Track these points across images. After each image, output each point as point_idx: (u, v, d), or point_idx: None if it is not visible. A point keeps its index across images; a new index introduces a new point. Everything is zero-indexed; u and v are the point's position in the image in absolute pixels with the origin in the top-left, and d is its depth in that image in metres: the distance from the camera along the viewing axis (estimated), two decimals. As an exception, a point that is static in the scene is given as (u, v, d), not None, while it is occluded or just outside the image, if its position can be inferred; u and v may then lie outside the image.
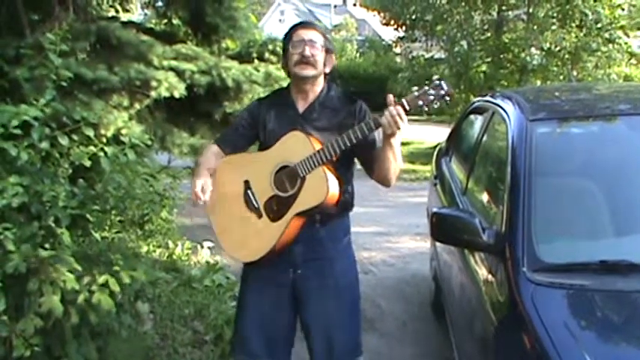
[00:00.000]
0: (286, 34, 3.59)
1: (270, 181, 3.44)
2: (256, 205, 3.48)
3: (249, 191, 3.51)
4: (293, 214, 3.39)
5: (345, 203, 3.59)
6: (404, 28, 19.11)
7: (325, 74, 3.59)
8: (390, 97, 3.23)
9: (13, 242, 3.52)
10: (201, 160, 3.70)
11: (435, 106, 3.29)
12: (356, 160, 3.60)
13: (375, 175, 3.51)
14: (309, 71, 3.47)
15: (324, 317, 3.64)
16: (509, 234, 3.14)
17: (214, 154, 3.68)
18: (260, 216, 3.47)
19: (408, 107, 3.22)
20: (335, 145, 3.29)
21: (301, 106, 3.57)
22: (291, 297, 3.66)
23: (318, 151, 3.31)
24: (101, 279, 3.75)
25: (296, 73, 3.50)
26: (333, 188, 3.35)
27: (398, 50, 22.24)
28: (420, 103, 3.23)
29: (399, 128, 3.20)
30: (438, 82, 3.26)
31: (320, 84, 3.58)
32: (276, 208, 3.43)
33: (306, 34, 3.49)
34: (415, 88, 3.28)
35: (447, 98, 3.27)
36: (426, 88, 3.25)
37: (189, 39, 7.78)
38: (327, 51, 3.54)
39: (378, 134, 3.39)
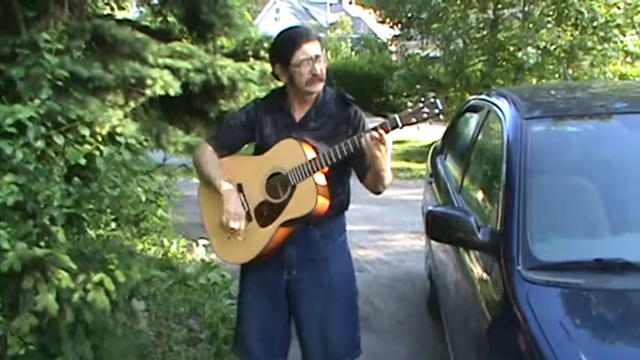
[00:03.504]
0: (285, 45, 3.46)
1: (262, 186, 3.45)
2: (247, 209, 3.48)
3: (241, 194, 3.50)
4: (281, 221, 3.40)
5: (341, 203, 3.59)
6: (399, 26, 19.10)
7: None
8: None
9: (8, 240, 3.52)
10: (210, 167, 3.57)
11: (429, 124, 3.29)
12: None
13: (365, 183, 3.51)
14: (320, 87, 3.46)
15: (319, 317, 3.64)
16: (504, 232, 3.15)
17: (212, 155, 3.61)
18: (250, 220, 3.47)
19: (400, 124, 3.20)
20: (327, 156, 3.29)
21: (298, 114, 3.54)
22: (286, 297, 3.66)
23: (310, 161, 3.32)
24: (96, 277, 3.75)
25: (308, 91, 3.45)
26: (323, 199, 3.37)
27: (393, 48, 22.33)
28: (414, 120, 3.22)
29: (379, 150, 3.19)
30: (433, 99, 3.24)
31: None
32: (266, 214, 3.44)
33: (311, 48, 3.39)
34: (410, 104, 3.28)
35: (441, 117, 3.27)
36: (421, 105, 3.23)
37: (185, 37, 7.77)
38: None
39: None
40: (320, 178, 3.38)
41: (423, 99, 3.27)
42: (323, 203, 3.37)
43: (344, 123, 3.50)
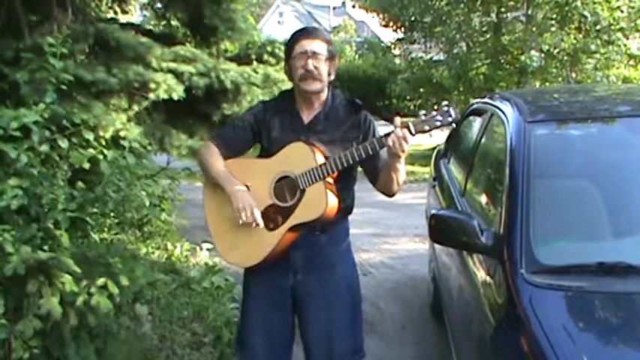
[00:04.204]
0: (289, 41, 3.51)
1: (270, 189, 3.42)
2: None
3: None
4: (289, 225, 3.38)
5: (346, 208, 3.57)
6: (403, 29, 19.08)
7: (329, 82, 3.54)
8: (397, 119, 3.22)
9: (12, 244, 3.53)
10: (218, 171, 3.54)
11: (441, 131, 3.30)
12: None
13: (378, 185, 3.50)
14: (314, 86, 3.43)
15: (324, 322, 3.63)
16: (507, 236, 3.14)
17: (218, 156, 3.59)
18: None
19: (413, 131, 3.21)
20: (338, 161, 3.29)
21: (306, 117, 3.52)
22: (291, 301, 3.65)
23: (321, 166, 3.30)
24: (100, 281, 3.76)
25: (301, 88, 3.45)
26: (332, 203, 3.35)
27: (397, 52, 22.22)
28: (427, 128, 3.23)
29: (403, 151, 3.20)
30: (446, 108, 3.25)
31: (325, 93, 3.53)
32: (274, 217, 3.41)
33: (309, 44, 3.41)
34: (422, 112, 3.28)
35: (454, 125, 3.28)
36: (434, 113, 3.24)
37: (188, 41, 7.78)
38: (331, 57, 3.47)
39: (383, 149, 3.37)
40: (330, 183, 3.37)
41: (436, 107, 3.28)
42: (332, 208, 3.36)
43: (355, 129, 3.50)
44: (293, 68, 3.45)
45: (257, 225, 3.38)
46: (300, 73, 3.41)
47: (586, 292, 2.88)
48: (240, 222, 3.39)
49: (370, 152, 3.28)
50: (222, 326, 5.40)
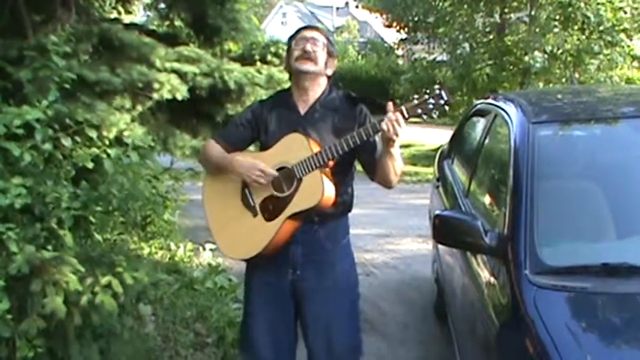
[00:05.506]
0: (291, 37, 3.63)
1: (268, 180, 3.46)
2: (252, 204, 3.50)
3: (246, 189, 3.52)
4: (287, 215, 3.40)
5: (345, 205, 3.60)
6: (406, 30, 19.11)
7: (328, 77, 3.60)
8: (390, 104, 3.24)
9: (16, 243, 3.53)
10: (218, 156, 3.61)
11: (434, 115, 3.31)
12: (356, 162, 3.60)
13: (377, 178, 3.52)
14: (309, 66, 3.48)
15: (323, 318, 3.65)
16: (511, 236, 3.14)
17: (219, 148, 3.64)
18: (255, 215, 3.48)
19: (406, 115, 3.23)
20: (333, 148, 3.30)
21: (302, 108, 3.57)
22: (291, 298, 3.66)
23: (316, 154, 3.32)
24: (104, 280, 3.76)
25: (297, 67, 3.51)
26: (329, 191, 3.36)
27: (400, 52, 22.28)
28: (419, 111, 3.25)
29: (397, 134, 3.22)
30: (438, 90, 3.26)
31: (321, 85, 3.58)
32: (272, 208, 3.44)
33: (309, 33, 3.55)
34: (415, 96, 3.29)
35: (447, 107, 3.28)
36: (426, 96, 3.26)
37: (192, 41, 7.78)
38: (329, 53, 3.56)
39: (378, 138, 3.40)
40: (326, 173, 3.39)
41: (428, 90, 3.28)
42: (329, 196, 3.37)
43: (350, 120, 3.52)
44: (291, 55, 3.54)
45: (272, 176, 3.41)
46: (297, 54, 3.51)
47: (590, 293, 2.88)
48: (257, 182, 3.43)
49: (365, 138, 3.30)
50: (225, 326, 5.39)
